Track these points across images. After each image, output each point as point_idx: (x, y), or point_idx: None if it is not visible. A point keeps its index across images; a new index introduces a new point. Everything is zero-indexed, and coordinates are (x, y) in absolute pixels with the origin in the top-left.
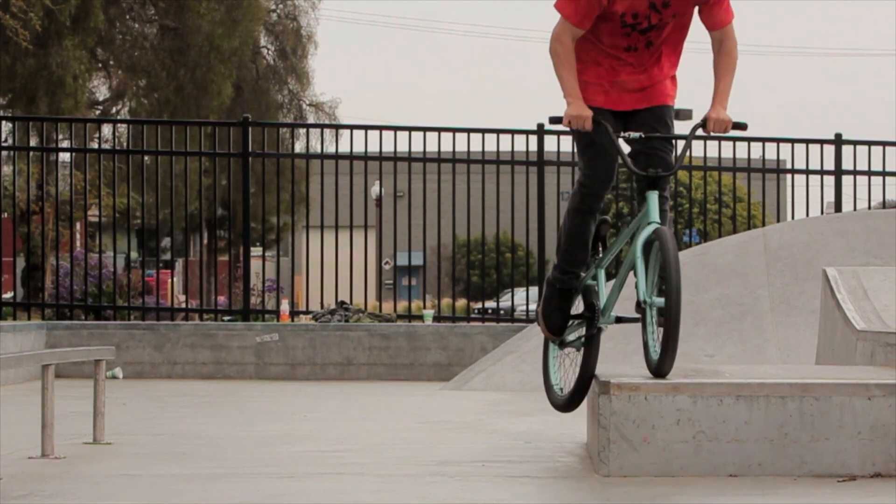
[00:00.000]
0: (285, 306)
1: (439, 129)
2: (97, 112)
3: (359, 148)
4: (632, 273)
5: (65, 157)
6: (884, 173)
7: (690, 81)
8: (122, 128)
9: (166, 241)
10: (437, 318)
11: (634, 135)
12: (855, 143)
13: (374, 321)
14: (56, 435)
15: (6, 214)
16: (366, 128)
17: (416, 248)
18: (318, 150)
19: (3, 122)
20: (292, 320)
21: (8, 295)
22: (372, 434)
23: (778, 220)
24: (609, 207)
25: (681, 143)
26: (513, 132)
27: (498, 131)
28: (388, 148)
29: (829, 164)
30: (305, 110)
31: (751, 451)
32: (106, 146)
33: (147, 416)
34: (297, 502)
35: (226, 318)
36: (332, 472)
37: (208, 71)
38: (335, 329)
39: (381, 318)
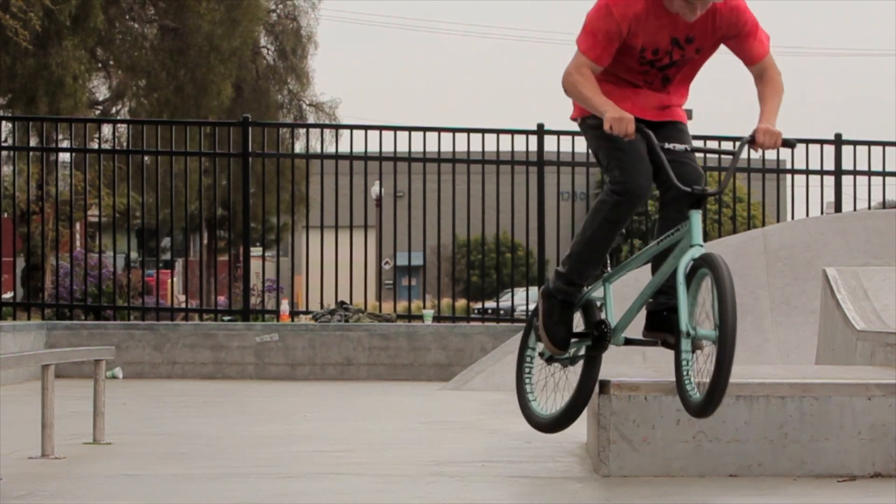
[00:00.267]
0: (285, 306)
1: (439, 129)
2: (97, 112)
3: (359, 148)
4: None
5: (65, 157)
6: (884, 173)
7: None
8: (122, 128)
9: (166, 241)
10: (437, 318)
11: (679, 147)
12: (855, 143)
13: (374, 321)
14: (56, 435)
15: (6, 214)
16: (366, 128)
17: (416, 248)
18: (318, 150)
19: (3, 122)
20: (292, 320)
21: (8, 295)
22: (372, 434)
23: (778, 220)
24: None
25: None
26: (513, 132)
27: (498, 131)
28: (388, 148)
29: (829, 164)
30: (305, 110)
31: (751, 452)
32: (106, 146)
33: (147, 416)
34: (297, 502)
35: (226, 318)
36: (332, 472)
37: (208, 71)
38: (335, 329)
39: (381, 318)
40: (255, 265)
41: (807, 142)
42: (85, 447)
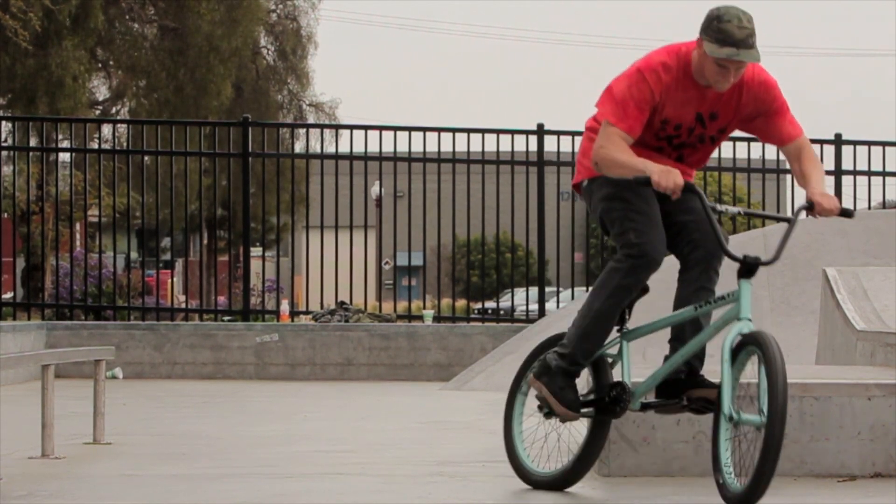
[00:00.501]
0: (285, 306)
1: (439, 130)
2: (97, 112)
3: (359, 148)
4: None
5: (65, 157)
6: (884, 173)
7: None
8: (122, 128)
9: (166, 241)
10: (437, 318)
11: (733, 209)
12: (855, 143)
13: (374, 321)
14: (56, 435)
15: (6, 214)
16: (366, 128)
17: (416, 248)
18: (318, 151)
19: (3, 122)
20: (292, 320)
21: (8, 295)
22: (372, 434)
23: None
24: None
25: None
26: (513, 132)
27: (498, 131)
28: (388, 148)
29: (829, 164)
30: (305, 110)
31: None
32: (106, 146)
33: (147, 416)
34: (297, 502)
35: (226, 318)
36: (333, 472)
37: (208, 71)
38: (335, 329)
39: (381, 319)
40: (255, 265)
41: None
42: (85, 447)
